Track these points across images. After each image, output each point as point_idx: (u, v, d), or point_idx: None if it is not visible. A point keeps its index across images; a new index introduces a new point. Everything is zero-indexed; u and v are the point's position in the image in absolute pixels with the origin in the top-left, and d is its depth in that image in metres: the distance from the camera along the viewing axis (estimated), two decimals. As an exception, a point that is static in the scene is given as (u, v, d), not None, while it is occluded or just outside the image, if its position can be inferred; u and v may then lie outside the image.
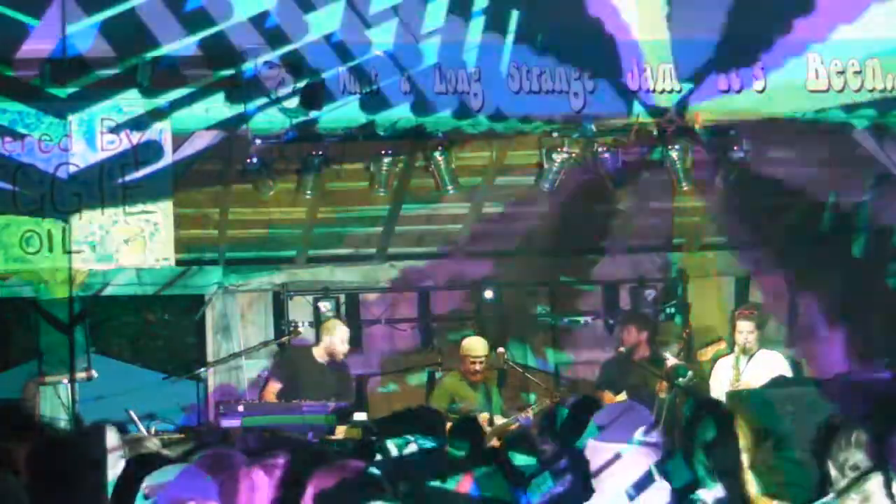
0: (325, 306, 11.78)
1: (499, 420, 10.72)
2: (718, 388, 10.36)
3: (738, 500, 5.59)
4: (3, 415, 5.41)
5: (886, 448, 4.81)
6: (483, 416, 10.69)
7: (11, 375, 11.26)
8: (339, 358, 10.63)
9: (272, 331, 12.07)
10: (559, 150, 10.49)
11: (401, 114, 9.81)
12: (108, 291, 11.52)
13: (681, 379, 10.36)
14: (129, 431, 9.31)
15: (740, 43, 9.95)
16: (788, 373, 10.38)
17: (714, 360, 10.78)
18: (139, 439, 7.18)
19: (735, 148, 10.51)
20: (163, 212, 9.77)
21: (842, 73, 10.03)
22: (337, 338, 10.61)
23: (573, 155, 10.48)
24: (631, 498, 4.91)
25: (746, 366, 10.37)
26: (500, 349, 11.15)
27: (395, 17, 9.61)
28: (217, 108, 9.69)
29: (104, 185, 9.73)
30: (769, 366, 10.31)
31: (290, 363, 10.85)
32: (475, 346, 10.91)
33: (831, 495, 5.17)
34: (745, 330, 10.45)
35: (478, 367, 10.82)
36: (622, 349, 11.13)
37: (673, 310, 12.33)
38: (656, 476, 4.84)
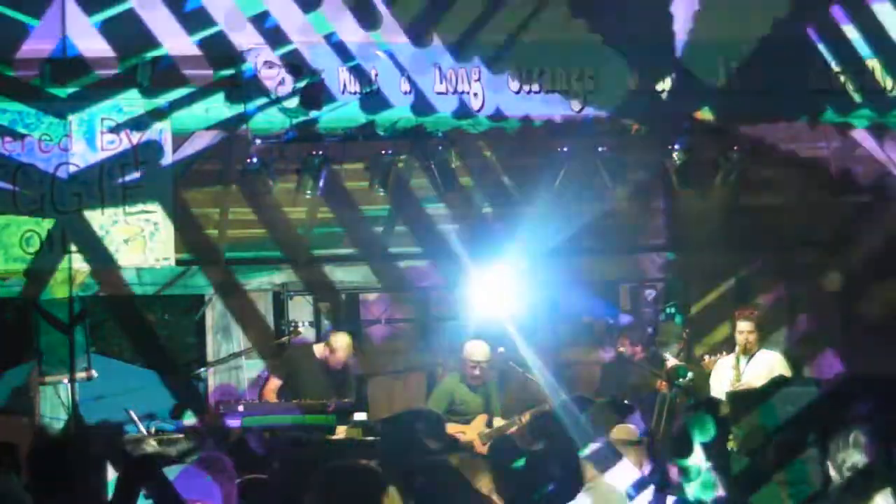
0: (326, 306, 11.80)
1: (498, 422, 10.71)
2: (718, 388, 10.36)
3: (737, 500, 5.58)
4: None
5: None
6: (481, 418, 10.70)
7: (11, 375, 11.25)
8: (332, 365, 10.67)
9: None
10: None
11: (401, 114, 9.82)
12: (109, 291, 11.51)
13: (681, 379, 10.36)
14: (128, 431, 9.34)
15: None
16: (788, 373, 10.38)
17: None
18: (138, 440, 7.19)
19: (735, 148, 10.52)
20: (163, 212, 9.77)
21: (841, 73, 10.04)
22: (334, 356, 10.62)
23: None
24: (631, 498, 4.92)
25: (746, 366, 10.37)
26: (501, 349, 11.14)
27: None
28: (217, 108, 9.69)
29: (104, 185, 9.73)
30: (769, 366, 10.31)
31: (290, 361, 10.85)
32: (476, 350, 10.88)
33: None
34: (745, 330, 10.44)
35: (477, 371, 10.80)
36: (622, 349, 11.15)
37: (673, 310, 12.33)
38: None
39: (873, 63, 10.08)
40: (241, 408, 9.88)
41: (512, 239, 11.86)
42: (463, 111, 9.85)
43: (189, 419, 10.87)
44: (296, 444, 9.28)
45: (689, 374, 10.47)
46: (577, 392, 11.03)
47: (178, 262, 10.53)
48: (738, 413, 7.90)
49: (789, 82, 10.07)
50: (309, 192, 10.65)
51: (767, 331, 10.98)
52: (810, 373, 11.68)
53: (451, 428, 9.98)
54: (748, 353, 10.41)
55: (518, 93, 9.87)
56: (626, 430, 5.61)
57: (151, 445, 7.64)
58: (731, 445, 7.56)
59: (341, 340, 10.72)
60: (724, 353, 10.81)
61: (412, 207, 11.81)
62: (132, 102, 9.66)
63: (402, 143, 10.51)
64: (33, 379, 10.92)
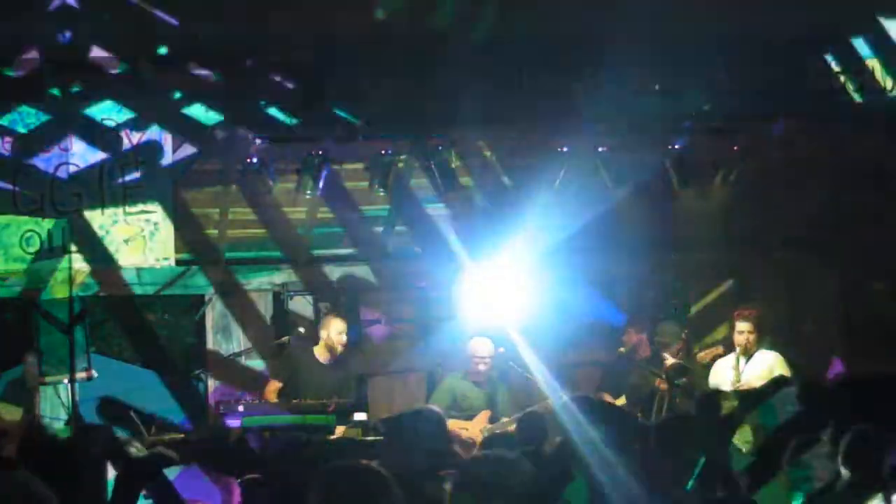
0: (325, 306, 11.78)
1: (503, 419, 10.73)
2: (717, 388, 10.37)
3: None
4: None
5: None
6: (484, 414, 10.70)
7: (11, 375, 11.25)
8: (337, 352, 10.63)
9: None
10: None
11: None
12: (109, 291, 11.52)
13: (680, 379, 10.36)
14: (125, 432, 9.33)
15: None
16: (787, 372, 10.38)
17: (713, 360, 10.79)
18: (128, 441, 7.15)
19: (735, 148, 10.52)
20: (163, 212, 9.78)
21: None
22: (333, 330, 10.60)
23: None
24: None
25: (746, 366, 10.37)
26: (501, 349, 11.15)
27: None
28: (217, 108, 9.70)
29: (104, 185, 9.74)
30: (768, 366, 10.31)
31: (290, 362, 10.85)
32: (480, 345, 10.90)
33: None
34: (745, 330, 10.44)
35: (482, 367, 10.81)
36: (622, 350, 11.16)
37: (673, 310, 12.32)
38: None
39: (873, 63, 10.09)
40: (241, 408, 9.88)
41: (512, 239, 11.87)
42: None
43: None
44: (295, 444, 9.27)
45: (688, 374, 10.46)
46: (576, 392, 11.04)
47: (178, 262, 10.54)
48: (740, 413, 7.92)
49: (789, 82, 10.08)
50: (309, 192, 10.65)
51: (767, 331, 10.98)
52: (810, 373, 11.69)
53: (455, 424, 10.02)
54: (748, 353, 10.41)
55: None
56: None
57: (135, 449, 7.60)
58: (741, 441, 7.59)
59: (335, 320, 10.72)
60: (721, 348, 10.80)
61: (412, 207, 11.82)
62: (132, 102, 9.67)
63: (402, 143, 10.51)
64: (29, 369, 10.83)
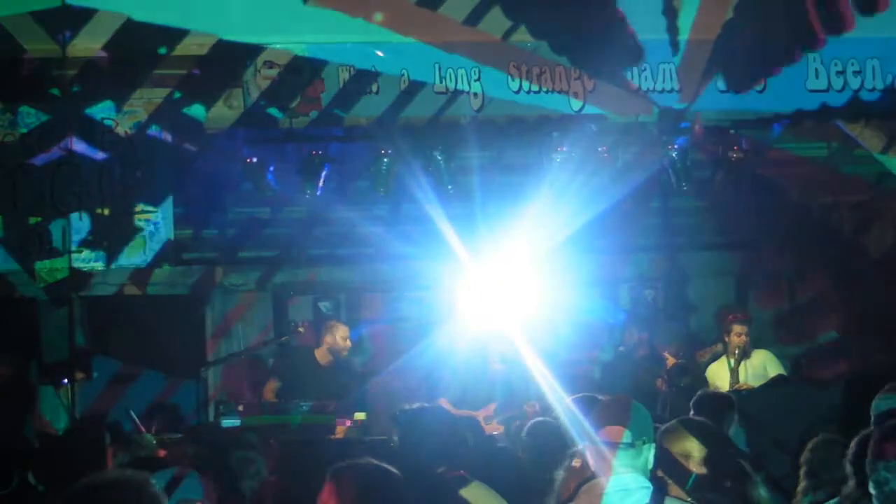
0: (325, 306, 11.79)
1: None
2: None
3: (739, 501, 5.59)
4: None
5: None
6: (491, 406, 10.72)
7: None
8: (342, 355, 10.66)
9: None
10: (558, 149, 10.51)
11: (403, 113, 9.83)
12: (108, 291, 11.52)
13: (682, 379, 10.37)
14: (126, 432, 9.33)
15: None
16: (781, 370, 10.40)
17: (711, 360, 10.81)
18: (133, 441, 7.15)
19: (735, 148, 10.52)
20: (163, 212, 9.77)
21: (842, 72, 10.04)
22: (338, 335, 10.63)
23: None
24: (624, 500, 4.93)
25: (742, 367, 10.39)
26: (500, 349, 11.15)
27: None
28: (217, 108, 9.70)
29: (104, 185, 9.73)
30: (762, 364, 10.35)
31: (290, 362, 10.86)
32: (499, 342, 10.93)
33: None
34: (742, 333, 10.46)
35: (499, 365, 10.84)
36: (622, 348, 11.16)
37: (673, 310, 12.33)
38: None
39: (873, 63, 10.09)
40: (241, 408, 9.88)
41: (512, 239, 11.86)
42: (465, 110, 9.87)
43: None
44: (296, 444, 9.28)
45: (689, 374, 10.48)
46: (576, 392, 11.02)
47: (178, 262, 10.52)
48: (741, 413, 7.92)
49: (789, 81, 10.08)
50: (309, 192, 10.65)
51: (764, 331, 11.02)
52: (809, 372, 11.70)
53: (461, 413, 10.12)
54: (744, 354, 10.43)
55: (518, 92, 9.88)
56: (616, 431, 5.59)
57: (149, 446, 7.62)
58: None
59: (339, 325, 10.75)
60: (720, 346, 10.82)
61: (412, 207, 11.81)
62: (132, 102, 9.67)
63: (402, 142, 10.51)
64: None
